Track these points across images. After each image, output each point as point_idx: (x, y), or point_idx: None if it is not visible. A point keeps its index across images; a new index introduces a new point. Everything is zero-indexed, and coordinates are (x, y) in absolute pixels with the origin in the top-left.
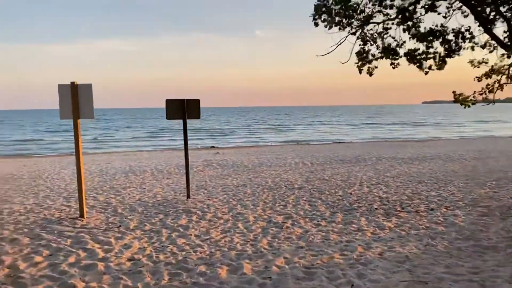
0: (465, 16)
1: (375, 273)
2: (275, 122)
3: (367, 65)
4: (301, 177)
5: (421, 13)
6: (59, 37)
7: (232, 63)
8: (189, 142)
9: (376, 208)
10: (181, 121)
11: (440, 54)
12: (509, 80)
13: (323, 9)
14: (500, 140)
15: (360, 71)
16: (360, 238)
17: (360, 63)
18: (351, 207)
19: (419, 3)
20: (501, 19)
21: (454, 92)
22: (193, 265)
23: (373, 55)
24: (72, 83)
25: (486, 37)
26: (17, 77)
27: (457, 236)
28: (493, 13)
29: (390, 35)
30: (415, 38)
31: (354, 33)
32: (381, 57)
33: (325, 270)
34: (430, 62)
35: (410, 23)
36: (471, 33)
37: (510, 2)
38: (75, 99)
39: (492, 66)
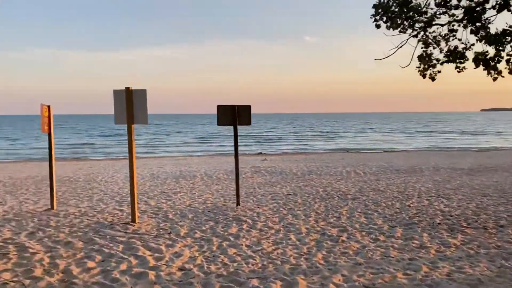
0: None
1: None
2: (323, 129)
3: (430, 69)
4: (354, 187)
5: (491, 14)
6: (113, 46)
7: (280, 69)
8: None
9: (439, 223)
10: (230, 127)
11: None
12: None
13: (380, 10)
14: None
15: (423, 76)
16: (424, 256)
17: (422, 67)
18: (411, 221)
19: (488, 2)
20: None
21: None
22: (245, 278)
23: (437, 59)
24: (127, 88)
25: None
26: (76, 83)
27: None
28: None
29: (456, 38)
30: (484, 41)
31: (415, 36)
32: (447, 61)
33: None
34: (501, 66)
35: (478, 24)
36: None
37: None
38: (130, 104)
39: None
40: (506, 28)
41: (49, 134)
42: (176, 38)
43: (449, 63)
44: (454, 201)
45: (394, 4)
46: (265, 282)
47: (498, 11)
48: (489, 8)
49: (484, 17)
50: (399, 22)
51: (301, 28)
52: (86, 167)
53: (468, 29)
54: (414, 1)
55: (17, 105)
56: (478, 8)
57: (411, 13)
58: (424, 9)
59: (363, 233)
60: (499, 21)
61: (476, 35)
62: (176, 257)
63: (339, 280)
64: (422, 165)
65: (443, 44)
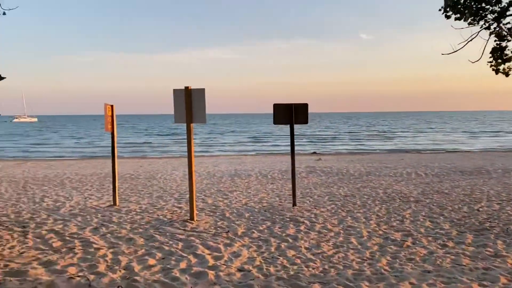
0: None
1: None
2: (380, 128)
3: (504, 64)
4: (415, 189)
5: None
6: (166, 48)
7: (334, 67)
8: (289, 147)
9: None
10: (282, 126)
11: None
12: None
13: (450, 1)
14: None
15: (496, 72)
16: (501, 266)
17: (495, 62)
18: (482, 226)
19: None
20: None
21: None
22: (306, 283)
23: None
24: (186, 87)
25: None
26: (132, 84)
27: None
28: None
29: None
30: None
31: (487, 28)
32: None
33: None
34: None
35: None
36: None
37: None
38: (189, 103)
39: None
40: None
41: (112, 133)
42: (230, 40)
43: None
44: None
45: None
46: (328, 287)
47: None
48: None
49: None
50: (469, 13)
51: (356, 26)
52: (146, 164)
53: None
54: None
55: (81, 106)
56: None
57: (483, 4)
58: None
59: (430, 238)
60: None
61: None
62: (234, 257)
63: None
64: (489, 166)
65: None
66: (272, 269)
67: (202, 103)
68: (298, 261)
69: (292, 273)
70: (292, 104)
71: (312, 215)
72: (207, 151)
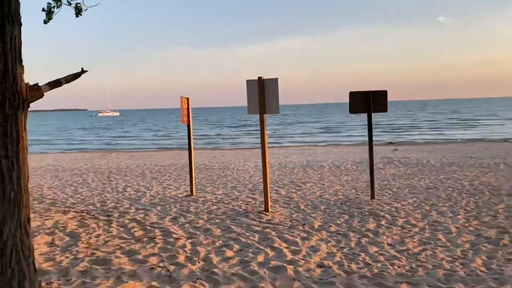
0: None
1: None
2: (461, 116)
3: None
4: (507, 181)
5: None
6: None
7: (410, 53)
8: (363, 137)
9: None
10: (356, 116)
11: None
12: None
13: None
14: None
15: None
16: None
17: None
18: None
19: None
20: None
21: None
22: (392, 282)
23: None
24: (259, 78)
25: None
26: (208, 78)
27: None
28: None
29: None
30: None
31: None
32: None
33: None
34: None
35: None
36: None
37: None
38: (262, 94)
39: None
40: None
41: (188, 125)
42: (302, 29)
43: None
44: None
45: None
46: None
47: None
48: None
49: None
50: None
51: (434, 8)
52: (219, 155)
53: None
54: None
55: (158, 100)
56: None
57: None
58: None
59: None
60: None
61: None
62: (313, 252)
63: None
64: None
65: None
66: (354, 266)
67: (275, 93)
68: (382, 258)
69: (376, 271)
70: (369, 91)
71: (393, 209)
72: (277, 142)
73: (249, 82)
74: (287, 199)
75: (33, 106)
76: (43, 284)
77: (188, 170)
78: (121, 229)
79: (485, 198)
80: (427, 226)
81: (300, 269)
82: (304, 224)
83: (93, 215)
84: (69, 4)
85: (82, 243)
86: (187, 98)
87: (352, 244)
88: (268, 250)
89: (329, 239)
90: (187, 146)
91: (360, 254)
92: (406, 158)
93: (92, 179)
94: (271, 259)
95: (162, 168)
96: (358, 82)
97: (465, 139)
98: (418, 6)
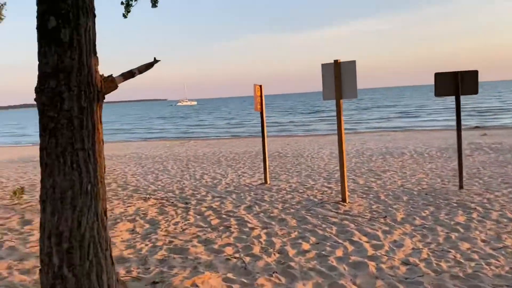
0: None
1: None
2: None
3: None
4: None
5: None
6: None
7: (494, 29)
8: (446, 121)
9: None
10: (437, 98)
11: None
12: None
13: None
14: None
15: None
16: None
17: None
18: None
19: None
20: None
21: None
22: (490, 285)
23: None
24: (335, 61)
25: None
26: (282, 64)
27: None
28: None
29: None
30: None
31: None
32: None
33: None
34: None
35: None
36: None
37: None
38: (338, 78)
39: None
40: None
41: (261, 113)
42: (376, 10)
43: None
44: None
45: None
46: None
47: None
48: None
49: None
50: None
51: None
52: (293, 143)
53: None
54: None
55: (233, 88)
56: None
57: None
58: None
59: None
60: None
61: None
62: (396, 247)
63: None
64: None
65: None
66: (443, 264)
67: (353, 76)
68: (475, 256)
69: (469, 271)
70: (458, 72)
71: (485, 200)
72: (353, 128)
73: (324, 66)
74: (366, 188)
75: (117, 97)
76: (123, 271)
77: (261, 157)
78: (198, 217)
79: None
80: None
81: (383, 266)
82: (385, 217)
83: (172, 202)
84: None
85: (161, 230)
86: (260, 86)
87: (440, 240)
88: (347, 244)
89: (413, 233)
90: (260, 134)
91: (450, 251)
92: (496, 144)
93: (172, 166)
94: (351, 254)
95: (236, 155)
96: (439, 63)
97: None
98: None
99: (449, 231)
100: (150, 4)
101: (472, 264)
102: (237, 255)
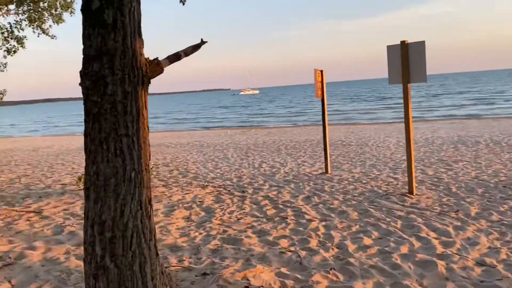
0: None
1: None
2: None
3: None
4: None
5: None
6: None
7: None
8: None
9: None
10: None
11: None
12: None
13: None
14: None
15: None
16: None
17: None
18: None
19: None
20: None
21: None
22: None
23: None
24: (402, 42)
25: None
26: (344, 51)
27: None
28: None
29: None
30: None
31: None
32: None
33: None
34: None
35: None
36: None
37: None
38: (405, 60)
39: None
40: None
41: (322, 99)
42: None
43: None
44: None
45: None
46: None
47: None
48: None
49: None
50: None
51: None
52: (357, 131)
53: None
54: None
55: (294, 76)
56: None
57: None
58: None
59: None
60: None
61: None
62: (469, 245)
63: None
64: None
65: None
66: None
67: (422, 58)
68: None
69: None
70: None
71: None
72: (422, 116)
73: (390, 48)
74: (435, 180)
75: (183, 87)
76: (174, 260)
77: (323, 146)
78: (254, 206)
79: None
80: None
81: (454, 266)
82: (457, 211)
83: (229, 191)
84: None
85: (215, 219)
86: (321, 71)
87: None
88: (413, 240)
89: (490, 230)
90: (322, 122)
91: None
92: None
93: (232, 154)
94: (417, 251)
95: (297, 144)
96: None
97: None
98: None
99: None
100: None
101: None
102: (292, 248)
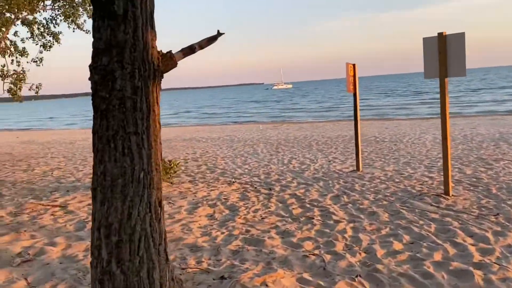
0: None
1: None
2: None
3: None
4: None
5: None
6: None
7: None
8: None
9: None
10: None
11: None
12: None
13: None
14: None
15: None
16: None
17: None
18: None
19: None
20: None
21: None
22: None
23: None
24: (440, 34)
25: None
26: (379, 44)
27: None
28: None
29: None
30: None
31: None
32: None
33: None
34: None
35: None
36: None
37: None
38: (443, 53)
39: None
40: None
41: (354, 94)
42: None
43: None
44: None
45: None
46: None
47: None
48: None
49: None
50: None
51: None
52: (392, 126)
53: None
54: None
55: (329, 71)
56: None
57: None
58: None
59: None
60: None
61: None
62: (511, 254)
63: None
64: None
65: None
66: None
67: (461, 51)
68: None
69: None
70: None
71: None
72: (460, 112)
73: (427, 40)
74: (474, 180)
75: (217, 82)
76: (193, 262)
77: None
78: (280, 205)
79: None
80: None
81: (493, 277)
82: (497, 214)
83: (255, 188)
84: None
85: (239, 218)
86: (353, 65)
87: None
88: (447, 245)
89: None
90: (353, 117)
91: None
92: None
93: (262, 149)
94: (452, 259)
95: (329, 139)
96: None
97: None
98: None
99: None
100: None
101: None
102: (316, 251)
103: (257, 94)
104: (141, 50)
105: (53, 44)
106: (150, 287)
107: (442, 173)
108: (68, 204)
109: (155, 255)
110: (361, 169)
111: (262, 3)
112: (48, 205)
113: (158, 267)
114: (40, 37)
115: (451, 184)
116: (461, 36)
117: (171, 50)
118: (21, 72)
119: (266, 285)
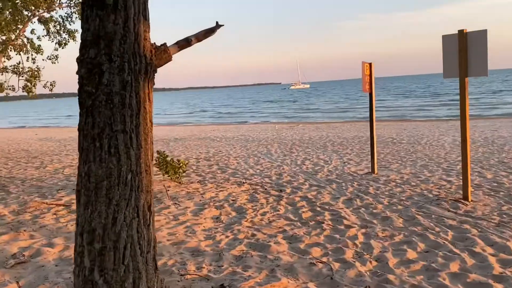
0: None
1: None
2: None
3: None
4: None
5: None
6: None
7: None
8: None
9: None
10: None
11: None
12: None
13: None
14: None
15: None
16: None
17: None
18: None
19: None
20: None
21: None
22: None
23: None
24: (460, 31)
25: None
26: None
27: None
28: None
29: None
30: None
31: None
32: None
33: None
34: None
35: None
36: None
37: None
38: (463, 52)
39: None
40: None
41: (370, 94)
42: None
43: None
44: None
45: None
46: None
47: None
48: None
49: None
50: None
51: None
52: (410, 128)
53: None
54: None
55: (347, 71)
56: None
57: None
58: None
59: None
60: None
61: None
62: None
63: None
64: None
65: None
66: None
67: (483, 49)
68: None
69: None
70: None
71: None
72: (481, 114)
73: (446, 38)
74: (495, 184)
75: (234, 81)
76: (193, 267)
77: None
78: (289, 207)
79: None
80: None
81: None
82: None
83: (265, 189)
84: None
85: (246, 221)
86: (370, 64)
87: None
88: (465, 255)
89: None
90: (369, 118)
91: None
92: None
93: (275, 150)
94: (470, 270)
95: (344, 140)
96: None
97: None
98: None
99: None
100: None
101: None
102: (324, 259)
103: (274, 94)
104: (131, 42)
105: (68, 42)
106: None
107: (461, 177)
108: (73, 203)
109: (142, 264)
110: (376, 171)
111: (281, 2)
112: (52, 204)
113: (146, 277)
114: (56, 35)
115: (470, 189)
116: (483, 34)
117: (165, 43)
118: (36, 69)
119: None
